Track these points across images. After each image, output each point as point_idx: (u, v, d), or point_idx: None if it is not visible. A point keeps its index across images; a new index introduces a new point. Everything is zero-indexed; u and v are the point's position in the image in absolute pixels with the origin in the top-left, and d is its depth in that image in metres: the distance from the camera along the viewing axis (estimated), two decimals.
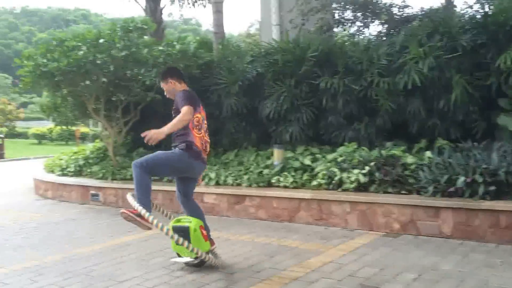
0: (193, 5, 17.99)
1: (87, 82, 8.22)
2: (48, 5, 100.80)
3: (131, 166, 4.49)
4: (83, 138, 33.58)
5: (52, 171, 10.56)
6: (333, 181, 6.47)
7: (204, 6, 18.23)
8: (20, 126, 42.46)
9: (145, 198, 4.34)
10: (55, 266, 4.85)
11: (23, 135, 37.83)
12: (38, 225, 7.16)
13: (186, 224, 4.49)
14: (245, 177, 7.33)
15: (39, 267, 4.85)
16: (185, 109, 4.30)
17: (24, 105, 63.24)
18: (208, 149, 4.73)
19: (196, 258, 4.48)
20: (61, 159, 10.87)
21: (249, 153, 8.22)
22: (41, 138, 35.56)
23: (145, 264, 4.85)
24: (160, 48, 8.59)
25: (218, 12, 10.50)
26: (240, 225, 6.55)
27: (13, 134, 36.07)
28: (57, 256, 5.28)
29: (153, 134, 4.25)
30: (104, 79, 8.21)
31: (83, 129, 32.13)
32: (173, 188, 7.58)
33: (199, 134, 4.56)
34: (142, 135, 4.26)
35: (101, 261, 4.99)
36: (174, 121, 4.32)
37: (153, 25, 9.64)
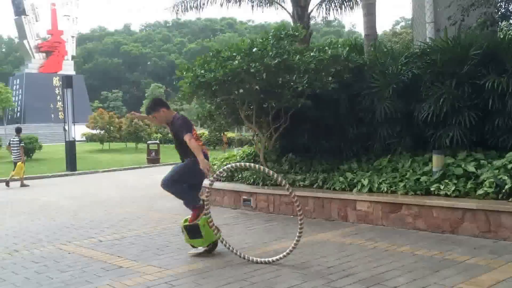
0: (340, 7, 17.97)
1: (241, 90, 8.61)
2: (197, 17, 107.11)
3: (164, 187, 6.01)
4: (230, 143, 35.26)
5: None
6: (503, 190, 6.05)
7: (351, 8, 18.11)
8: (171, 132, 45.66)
9: (189, 196, 6.02)
10: (217, 270, 5.14)
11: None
12: None
13: (196, 222, 5.76)
14: (401, 184, 7.17)
15: (201, 270, 5.17)
16: (189, 137, 5.69)
17: None
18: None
19: (208, 246, 5.82)
20: (213, 165, 11.50)
21: (403, 158, 8.02)
22: None
23: (302, 272, 4.93)
24: (312, 54, 8.73)
25: (369, 14, 10.37)
26: (397, 235, 6.40)
27: (166, 140, 38.87)
28: (218, 260, 5.56)
29: (207, 166, 5.63)
30: (257, 87, 8.54)
31: (229, 134, 33.75)
32: (325, 194, 7.74)
33: (201, 143, 5.97)
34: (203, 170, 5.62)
35: (259, 268, 5.16)
36: (195, 150, 5.64)
37: (304, 31, 9.82)
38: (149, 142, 28.58)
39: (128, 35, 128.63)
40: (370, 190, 7.46)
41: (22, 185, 17.46)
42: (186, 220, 5.93)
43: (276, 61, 8.43)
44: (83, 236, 7.42)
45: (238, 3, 17.02)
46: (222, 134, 28.74)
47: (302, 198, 8.05)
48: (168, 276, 5.00)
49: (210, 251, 5.89)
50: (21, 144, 17.69)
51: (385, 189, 7.28)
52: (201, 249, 5.88)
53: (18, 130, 18.26)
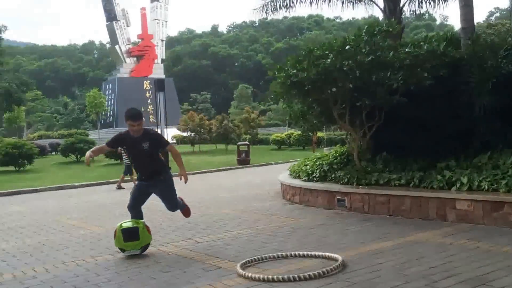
0: (433, 0, 17.63)
1: (334, 89, 8.81)
2: (284, 16, 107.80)
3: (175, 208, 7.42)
4: (319, 143, 35.39)
5: (298, 176, 11.51)
6: None
7: (445, 0, 17.71)
8: (260, 132, 46.49)
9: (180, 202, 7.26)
10: (317, 271, 5.18)
11: (264, 142, 41.38)
12: (291, 229, 7.77)
13: (135, 225, 6.57)
14: (503, 182, 7.14)
15: (301, 271, 5.19)
16: (172, 146, 7.12)
17: (263, 112, 68.75)
18: None
19: (140, 248, 6.53)
20: (306, 165, 11.79)
21: (505, 155, 7.94)
22: (280, 143, 38.55)
23: (403, 273, 4.98)
24: (406, 49, 8.79)
25: (466, 6, 10.22)
26: (500, 235, 6.38)
27: (255, 141, 39.69)
28: (315, 261, 5.68)
29: (186, 176, 7.14)
30: (350, 85, 8.71)
31: (318, 134, 33.87)
32: (423, 193, 7.80)
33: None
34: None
35: (359, 268, 5.26)
36: (179, 161, 7.18)
37: (398, 26, 9.86)
38: (239, 143, 29.25)
39: (215, 36, 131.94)
40: (470, 189, 7.46)
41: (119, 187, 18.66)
42: (121, 225, 6.61)
43: (369, 58, 8.54)
44: (180, 237, 7.66)
45: (327, 0, 17.17)
46: (312, 134, 29.00)
47: (398, 197, 8.19)
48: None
49: (142, 251, 6.61)
50: None
51: (486, 187, 7.25)
52: (133, 252, 6.55)
53: None
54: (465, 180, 7.57)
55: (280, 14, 18.14)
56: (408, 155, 9.41)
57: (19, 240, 8.46)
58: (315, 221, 8.43)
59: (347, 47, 8.78)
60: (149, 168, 6.80)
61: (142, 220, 6.72)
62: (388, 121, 9.50)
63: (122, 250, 6.59)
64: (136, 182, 7.27)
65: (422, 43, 9.05)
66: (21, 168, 26.31)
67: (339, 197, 9.35)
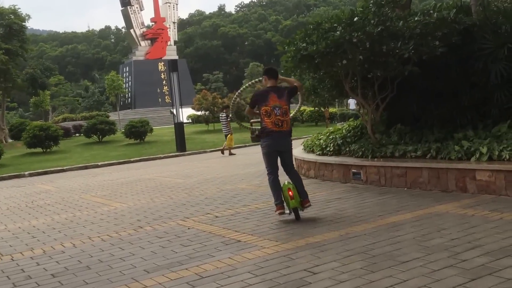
0: None
1: (344, 62, 8.29)
2: None
3: None
4: (331, 118, 34.74)
5: (312, 151, 11.05)
6: None
7: None
8: None
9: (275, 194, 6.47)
10: (334, 243, 5.02)
11: None
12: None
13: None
14: None
15: (319, 244, 5.06)
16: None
17: None
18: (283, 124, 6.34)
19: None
20: (319, 139, 11.31)
21: None
22: (293, 120, 37.81)
23: (424, 245, 4.67)
24: (416, 18, 8.21)
25: None
26: None
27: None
28: (334, 233, 5.44)
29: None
30: (360, 57, 8.19)
31: (331, 109, 33.26)
32: (440, 165, 7.30)
33: (270, 119, 6.26)
34: None
35: (378, 241, 4.97)
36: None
37: None
38: (252, 121, 28.79)
39: (224, 17, 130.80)
40: (490, 159, 6.91)
41: (231, 154, 20.08)
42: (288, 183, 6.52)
43: (379, 29, 8.05)
44: (200, 212, 7.60)
45: None
46: (324, 109, 28.39)
47: (415, 170, 7.71)
48: (286, 250, 4.95)
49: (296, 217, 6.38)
50: (227, 119, 20.23)
51: (507, 157, 6.70)
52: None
53: (225, 107, 21.54)
54: (484, 150, 7.00)
55: None
56: (423, 126, 8.84)
57: (48, 217, 8.58)
58: (332, 195, 8.10)
59: (355, 18, 8.25)
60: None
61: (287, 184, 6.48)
62: (401, 92, 8.93)
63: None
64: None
65: (431, 11, 8.44)
66: (48, 150, 26.44)
67: (355, 170, 8.89)
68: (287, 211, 6.38)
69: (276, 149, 6.37)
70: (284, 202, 6.37)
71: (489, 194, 6.62)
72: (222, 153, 20.46)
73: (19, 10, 37.56)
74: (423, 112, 8.98)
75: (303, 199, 6.32)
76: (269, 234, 5.70)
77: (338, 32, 8.09)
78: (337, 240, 5.12)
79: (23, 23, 37.62)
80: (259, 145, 6.61)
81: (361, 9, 8.70)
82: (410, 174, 7.78)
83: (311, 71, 9.32)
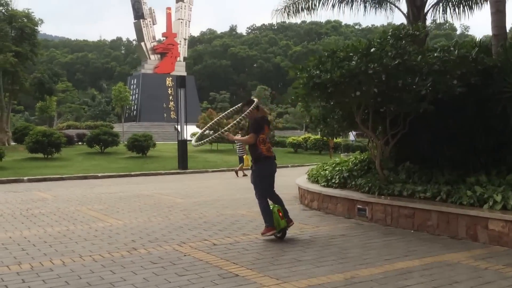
0: (458, 6, 16.70)
1: (358, 93, 8.02)
2: (303, 20, 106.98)
3: None
4: (335, 148, 34.40)
5: (317, 181, 10.71)
6: None
7: (470, 8, 16.76)
8: (277, 135, 45.56)
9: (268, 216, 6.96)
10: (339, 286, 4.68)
11: (280, 144, 40.45)
12: (310, 238, 7.16)
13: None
14: None
15: (323, 286, 4.73)
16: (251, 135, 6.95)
17: (280, 115, 67.95)
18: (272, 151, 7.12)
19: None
20: (325, 170, 10.98)
21: None
22: (297, 147, 37.49)
23: None
24: (436, 54, 7.95)
25: (499, 12, 9.33)
26: None
27: (272, 143, 38.75)
28: (337, 276, 5.12)
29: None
30: (375, 89, 7.92)
31: (335, 140, 32.91)
32: (451, 209, 6.94)
33: (265, 146, 6.94)
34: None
35: None
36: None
37: (424, 31, 9.06)
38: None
39: (235, 37, 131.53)
40: (504, 208, 6.56)
41: (244, 175, 19.93)
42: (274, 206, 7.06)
43: (396, 62, 7.78)
44: (197, 237, 7.28)
45: (349, 4, 16.36)
46: (328, 139, 28.08)
47: (424, 212, 7.36)
48: None
49: (281, 237, 7.03)
50: None
51: None
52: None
53: (241, 129, 21.53)
54: (498, 198, 6.66)
55: (301, 17, 17.39)
56: (433, 167, 8.51)
57: (41, 228, 8.32)
58: (335, 230, 7.74)
59: (372, 49, 7.99)
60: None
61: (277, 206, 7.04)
62: (413, 129, 8.64)
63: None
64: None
65: (452, 48, 8.18)
66: (49, 156, 26.12)
67: (360, 206, 8.54)
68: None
69: (272, 173, 7.08)
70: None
71: (501, 245, 6.25)
72: (237, 174, 20.37)
73: (32, 14, 37.70)
74: (434, 152, 8.67)
75: (287, 219, 7.00)
76: (270, 270, 5.36)
77: (354, 62, 7.83)
78: (342, 285, 4.78)
79: (36, 27, 37.79)
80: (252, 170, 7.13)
81: (378, 40, 8.46)
82: (418, 216, 7.43)
83: (322, 100, 9.03)
